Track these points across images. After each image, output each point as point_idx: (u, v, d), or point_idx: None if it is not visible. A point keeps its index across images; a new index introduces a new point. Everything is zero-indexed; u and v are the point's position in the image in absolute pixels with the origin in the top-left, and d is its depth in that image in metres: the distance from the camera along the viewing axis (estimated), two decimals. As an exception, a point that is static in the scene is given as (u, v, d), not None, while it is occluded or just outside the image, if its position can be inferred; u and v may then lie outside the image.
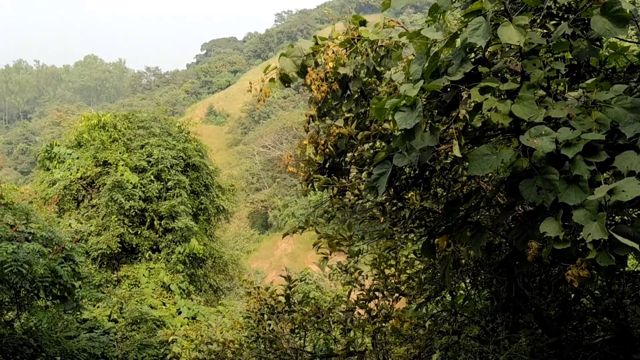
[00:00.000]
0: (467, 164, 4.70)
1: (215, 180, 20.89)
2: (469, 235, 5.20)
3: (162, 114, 21.73)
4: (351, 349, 6.04)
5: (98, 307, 15.86)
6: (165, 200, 18.41)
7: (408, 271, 6.78)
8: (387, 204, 5.62)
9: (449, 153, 5.03)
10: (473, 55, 4.42)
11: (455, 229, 5.06)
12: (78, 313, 13.42)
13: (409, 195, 5.32)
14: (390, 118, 4.74)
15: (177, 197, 18.43)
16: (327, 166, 6.13)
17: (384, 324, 6.02)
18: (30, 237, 9.54)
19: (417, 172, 5.02)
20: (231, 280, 21.23)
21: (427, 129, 4.23)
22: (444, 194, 5.25)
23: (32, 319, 11.92)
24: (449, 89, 4.30)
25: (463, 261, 5.88)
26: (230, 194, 21.58)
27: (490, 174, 5.64)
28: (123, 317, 15.50)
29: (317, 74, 5.53)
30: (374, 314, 6.85)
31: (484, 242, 4.69)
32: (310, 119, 6.20)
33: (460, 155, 4.15)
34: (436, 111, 4.13)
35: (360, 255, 5.70)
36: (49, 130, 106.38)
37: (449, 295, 6.93)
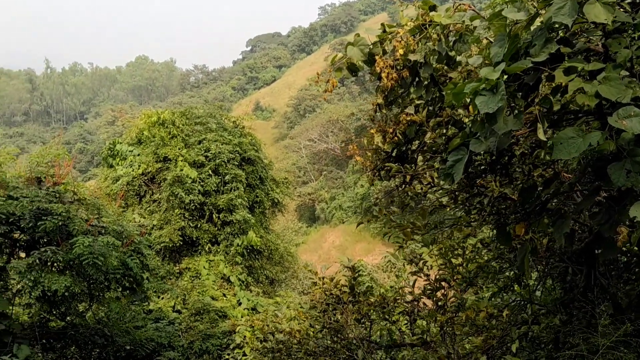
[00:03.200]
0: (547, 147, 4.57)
1: (270, 174, 21.19)
2: (546, 223, 5.06)
3: (218, 110, 22.16)
4: (426, 339, 5.98)
5: (162, 298, 16.39)
6: (223, 194, 18.77)
7: (478, 260, 6.65)
8: (459, 191, 5.53)
9: (528, 138, 4.89)
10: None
11: (533, 216, 4.93)
12: (146, 304, 13.93)
13: (487, 182, 5.20)
14: (466, 102, 4.67)
15: (234, 190, 18.75)
16: (394, 155, 6.08)
17: (456, 314, 5.93)
18: (103, 231, 9.95)
19: (493, 158, 4.90)
20: (286, 272, 21.49)
21: (509, 113, 4.13)
22: (523, 180, 5.11)
23: (102, 309, 12.44)
24: (531, 71, 4.19)
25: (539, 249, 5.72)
26: (284, 187, 21.83)
27: (567, 160, 5.46)
28: (186, 308, 15.97)
29: (386, 62, 5.47)
30: (442, 304, 6.77)
31: (567, 228, 4.54)
32: (377, 108, 6.15)
33: (544, 139, 4.02)
34: (520, 94, 4.01)
35: (433, 245, 5.62)
36: (105, 130, 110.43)
37: (516, 285, 6.77)
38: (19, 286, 10.12)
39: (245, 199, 19.00)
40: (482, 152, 4.60)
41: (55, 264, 9.71)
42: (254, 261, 19.12)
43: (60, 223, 9.35)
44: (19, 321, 10.59)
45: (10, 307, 9.44)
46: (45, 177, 10.31)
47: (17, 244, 10.47)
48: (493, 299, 6.18)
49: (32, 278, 8.87)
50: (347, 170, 76.39)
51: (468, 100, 4.34)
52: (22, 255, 10.63)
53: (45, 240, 10.00)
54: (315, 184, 78.33)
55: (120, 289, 11.05)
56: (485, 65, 4.60)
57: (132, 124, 21.64)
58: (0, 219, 9.09)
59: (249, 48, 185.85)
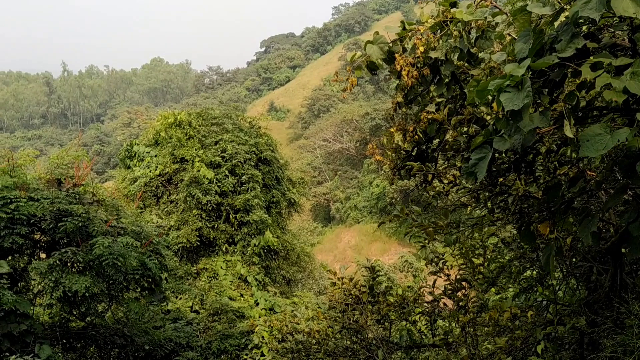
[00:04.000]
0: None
1: (286, 174, 21.20)
2: (571, 222, 4.98)
3: (233, 111, 22.23)
4: (448, 339, 5.91)
5: (180, 298, 16.48)
6: (240, 194, 18.81)
7: (500, 260, 6.56)
8: (481, 190, 5.45)
9: (553, 135, 4.81)
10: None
11: (558, 215, 4.85)
12: (164, 304, 14.01)
13: (509, 180, 5.13)
14: (489, 99, 4.59)
15: (250, 190, 18.78)
16: (413, 153, 6.02)
17: (479, 314, 5.84)
18: (122, 232, 10.02)
19: (517, 156, 4.83)
20: (303, 272, 21.48)
21: (534, 110, 4.06)
22: (547, 178, 5.03)
23: (121, 309, 12.53)
24: (556, 67, 4.11)
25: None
26: (300, 187, 21.83)
27: (591, 158, 5.36)
28: (204, 309, 16.03)
29: (406, 60, 5.42)
30: (463, 304, 6.69)
31: (594, 227, 4.45)
32: (397, 106, 6.10)
33: (572, 136, 3.95)
34: (546, 90, 3.93)
35: (455, 244, 5.55)
36: (121, 132, 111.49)
37: (539, 285, 6.66)
38: (39, 287, 10.24)
39: (262, 199, 19.02)
40: (506, 150, 4.53)
41: (75, 265, 9.81)
42: (271, 261, 19.15)
43: (80, 224, 9.43)
44: (40, 321, 10.71)
45: (32, 308, 9.54)
46: (65, 179, 10.42)
47: (38, 245, 10.60)
48: (516, 299, 6.09)
49: (53, 279, 8.96)
50: (362, 170, 76.23)
51: (490, 97, 4.27)
52: (42, 256, 10.75)
53: (64, 241, 10.10)
54: (330, 184, 78.28)
55: (139, 290, 11.12)
56: (509, 61, 4.53)
57: (149, 126, 21.80)
58: (22, 220, 9.21)
59: (263, 49, 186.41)
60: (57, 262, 9.23)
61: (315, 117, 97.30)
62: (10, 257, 9.75)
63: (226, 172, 18.94)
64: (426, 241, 5.21)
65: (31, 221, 9.41)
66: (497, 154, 4.72)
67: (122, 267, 9.29)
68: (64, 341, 11.19)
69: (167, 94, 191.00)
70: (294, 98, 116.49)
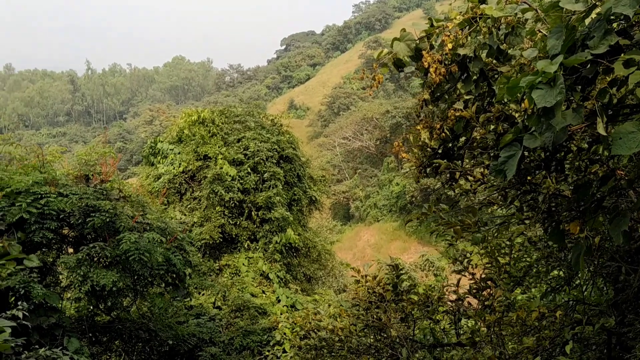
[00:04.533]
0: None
1: (307, 171, 21.24)
2: (601, 221, 4.92)
3: (256, 109, 22.36)
4: (474, 339, 5.88)
5: (203, 294, 16.66)
6: (262, 192, 18.91)
7: (527, 259, 6.50)
8: (509, 189, 5.41)
9: (584, 133, 4.75)
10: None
11: (588, 214, 4.79)
12: (188, 300, 14.18)
13: (537, 178, 5.08)
14: (518, 96, 4.56)
15: (272, 188, 18.86)
16: (440, 151, 6.00)
17: (506, 314, 5.80)
18: (148, 228, 10.16)
19: (547, 154, 4.78)
20: (323, 270, 21.51)
21: (566, 107, 4.02)
22: (575, 177, 4.97)
23: (145, 304, 12.71)
24: (588, 64, 4.06)
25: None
26: (321, 185, 21.86)
27: (620, 156, 5.28)
28: (226, 305, 16.16)
29: (434, 57, 5.40)
30: (489, 303, 6.64)
31: (626, 226, 4.39)
32: (424, 104, 6.08)
33: (605, 134, 3.90)
34: (579, 87, 3.89)
35: (482, 243, 5.52)
36: (143, 129, 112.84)
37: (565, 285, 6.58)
38: (67, 281, 10.44)
39: (284, 196, 19.11)
40: (536, 148, 4.50)
41: (101, 260, 9.98)
42: (292, 258, 19.22)
43: (107, 220, 9.59)
44: (67, 315, 10.93)
45: (60, 302, 9.73)
46: (92, 175, 10.60)
47: (65, 240, 10.80)
48: (544, 299, 6.03)
49: (82, 273, 9.13)
50: (382, 169, 75.98)
51: (521, 94, 4.24)
52: (70, 250, 10.95)
53: (91, 236, 10.28)
54: (349, 182, 78.18)
55: (163, 285, 11.27)
56: (540, 58, 4.48)
57: (171, 123, 22.04)
58: (52, 216, 9.39)
59: (283, 47, 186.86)
60: (86, 256, 9.40)
61: (335, 115, 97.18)
62: (39, 252, 9.95)
63: (248, 169, 19.06)
64: (454, 239, 5.19)
65: (60, 216, 9.60)
66: (526, 152, 4.69)
67: (148, 262, 9.43)
68: (90, 335, 11.40)
69: (188, 92, 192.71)
70: (313, 96, 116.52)
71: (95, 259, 9.90)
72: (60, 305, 9.58)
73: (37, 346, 7.62)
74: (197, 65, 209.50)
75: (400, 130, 71.73)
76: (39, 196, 9.40)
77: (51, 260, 10.31)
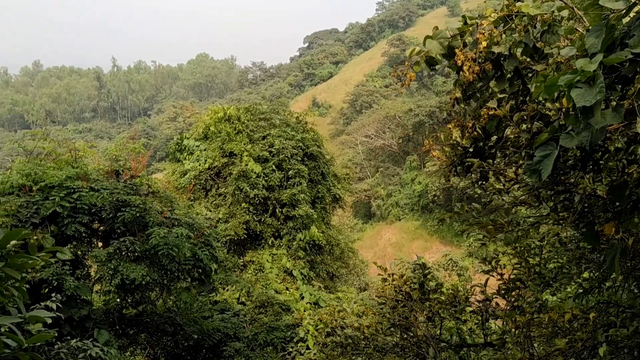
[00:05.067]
0: None
1: (331, 169, 21.26)
2: (636, 222, 4.84)
3: (281, 107, 22.45)
4: (505, 340, 5.83)
5: (227, 290, 16.82)
6: (286, 189, 19.02)
7: (559, 260, 6.41)
8: (543, 189, 5.35)
9: (622, 133, 4.67)
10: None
11: (624, 215, 4.71)
12: (213, 294, 14.34)
13: (570, 178, 5.02)
14: (554, 95, 4.50)
15: (297, 185, 18.96)
16: (471, 150, 5.96)
17: (538, 315, 5.74)
18: (176, 223, 10.30)
19: (584, 154, 4.72)
20: (346, 267, 21.52)
21: (605, 106, 3.97)
22: (611, 177, 4.90)
23: (171, 298, 12.89)
24: (627, 63, 4.00)
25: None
26: (345, 183, 21.87)
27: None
28: (250, 301, 16.29)
29: (467, 55, 5.37)
30: (518, 304, 6.57)
31: (664, 228, 4.33)
32: (455, 102, 6.04)
33: (645, 133, 3.84)
34: (619, 86, 3.83)
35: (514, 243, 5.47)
36: (167, 126, 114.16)
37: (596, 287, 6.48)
38: (96, 274, 10.64)
39: (308, 194, 19.16)
40: (573, 148, 4.44)
41: (129, 254, 10.15)
42: (315, 256, 19.27)
43: (137, 214, 9.75)
44: (96, 307, 11.14)
45: (91, 294, 9.93)
46: (122, 171, 10.78)
47: (95, 234, 11.01)
48: (576, 301, 5.95)
49: (112, 266, 9.30)
50: (404, 167, 75.57)
51: (556, 93, 4.19)
52: (99, 244, 11.16)
53: (120, 230, 10.47)
54: (371, 181, 77.96)
55: (189, 280, 11.41)
56: (577, 56, 4.42)
57: (196, 120, 22.26)
58: (84, 210, 9.59)
59: (306, 44, 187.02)
60: (116, 250, 9.58)
61: (358, 113, 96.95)
62: (70, 245, 10.16)
63: (273, 166, 19.16)
64: (486, 239, 5.15)
65: (92, 210, 9.79)
66: (562, 152, 4.64)
67: (176, 257, 9.56)
68: (117, 327, 11.61)
69: (212, 89, 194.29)
70: (336, 94, 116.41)
71: (124, 253, 10.07)
72: (90, 297, 9.78)
73: (68, 337, 7.79)
74: (221, 63, 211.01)
75: (423, 129, 71.20)
76: (72, 190, 9.60)
77: (82, 253, 10.51)
